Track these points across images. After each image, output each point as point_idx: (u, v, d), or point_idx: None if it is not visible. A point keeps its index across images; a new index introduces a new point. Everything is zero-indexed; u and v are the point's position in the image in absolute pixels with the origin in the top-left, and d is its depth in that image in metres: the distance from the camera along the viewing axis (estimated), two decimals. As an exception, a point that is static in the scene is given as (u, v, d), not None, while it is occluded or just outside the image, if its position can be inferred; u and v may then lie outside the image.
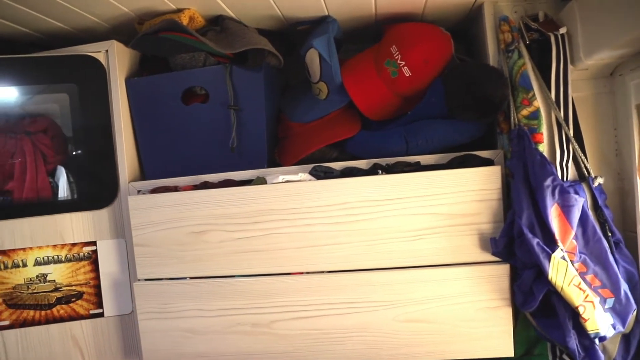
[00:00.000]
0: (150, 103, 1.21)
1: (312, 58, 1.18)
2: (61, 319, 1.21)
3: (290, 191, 1.05)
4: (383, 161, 1.09)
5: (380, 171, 1.06)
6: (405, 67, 1.11)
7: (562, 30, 1.02)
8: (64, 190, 1.23)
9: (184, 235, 1.09)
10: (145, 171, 1.25)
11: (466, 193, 1.02)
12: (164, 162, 1.23)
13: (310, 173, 1.08)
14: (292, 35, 1.31)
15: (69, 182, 1.24)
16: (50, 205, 1.22)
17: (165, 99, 1.20)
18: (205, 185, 1.12)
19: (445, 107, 1.09)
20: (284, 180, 1.06)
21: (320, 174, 1.07)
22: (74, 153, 1.25)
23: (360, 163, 1.09)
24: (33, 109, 1.25)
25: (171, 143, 1.22)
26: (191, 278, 1.11)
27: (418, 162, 1.08)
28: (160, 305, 1.12)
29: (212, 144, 1.19)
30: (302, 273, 1.07)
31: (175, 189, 1.14)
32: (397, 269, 1.05)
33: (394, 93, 1.15)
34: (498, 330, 1.03)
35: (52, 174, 1.24)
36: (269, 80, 1.19)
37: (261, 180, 1.09)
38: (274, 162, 1.22)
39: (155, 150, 1.23)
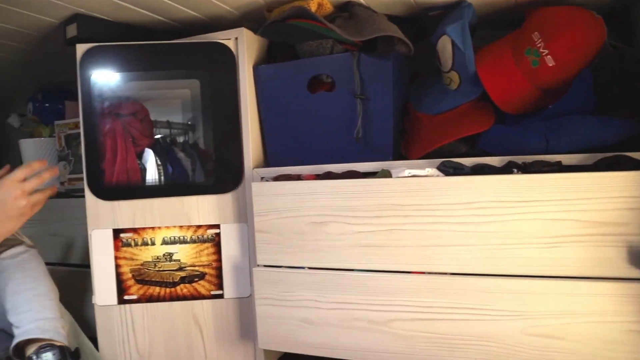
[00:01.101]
0: (276, 90, 1.23)
1: (444, 46, 1.13)
2: (184, 297, 1.28)
3: (416, 186, 1.01)
4: (519, 159, 1.01)
5: (515, 170, 0.99)
6: (548, 56, 1.03)
7: None
8: (152, 174, 1.29)
9: (304, 224, 1.10)
10: (269, 158, 1.28)
11: (615, 199, 0.92)
12: (287, 150, 1.24)
13: (438, 168, 1.03)
14: (422, 20, 1.27)
15: (195, 167, 1.29)
16: (179, 188, 1.28)
17: (291, 86, 1.21)
18: (329, 176, 1.12)
19: (593, 102, 0.99)
20: (409, 175, 1.03)
21: (449, 170, 1.02)
22: (203, 138, 1.30)
23: (492, 160, 1.03)
24: (153, 93, 1.32)
25: (295, 131, 1.23)
26: (310, 268, 1.11)
27: (559, 162, 0.99)
28: (278, 293, 1.14)
29: (336, 134, 1.18)
30: (423, 273, 1.03)
31: (298, 177, 1.15)
32: (528, 277, 0.97)
33: (533, 85, 1.07)
34: (646, 356, 0.92)
35: (140, 156, 1.31)
36: (398, 68, 1.16)
37: (386, 173, 1.06)
38: (400, 154, 1.19)
39: (279, 138, 1.25)
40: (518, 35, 1.10)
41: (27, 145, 1.79)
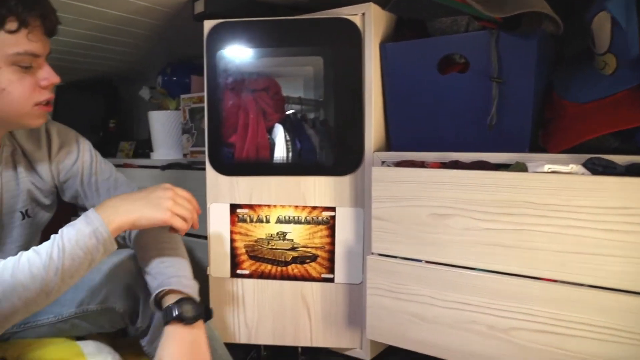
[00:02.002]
0: (403, 70, 1.17)
1: (602, 24, 0.99)
2: (294, 278, 1.28)
3: (556, 184, 0.90)
4: (686, 160, 0.87)
5: (681, 173, 0.85)
6: None
7: None
8: (280, 149, 1.28)
9: (425, 215, 1.03)
10: (391, 142, 1.22)
11: None
12: (411, 134, 1.18)
13: (585, 165, 0.92)
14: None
15: (314, 146, 1.27)
16: (296, 167, 1.27)
17: (420, 66, 1.14)
18: (455, 165, 1.04)
19: None
20: (549, 170, 0.93)
21: (598, 168, 0.90)
22: (323, 117, 1.28)
23: (652, 159, 0.90)
24: (276, 70, 1.31)
25: (421, 114, 1.16)
26: (427, 262, 1.05)
27: None
28: (391, 284, 1.09)
29: (466, 119, 1.10)
30: (555, 281, 0.93)
31: (421, 164, 1.08)
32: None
33: None
34: None
35: (270, 131, 1.30)
36: (542, 49, 1.04)
37: (521, 167, 0.97)
38: (538, 146, 1.08)
39: (403, 121, 1.19)
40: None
41: (155, 117, 1.89)
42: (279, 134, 1.28)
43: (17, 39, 0.88)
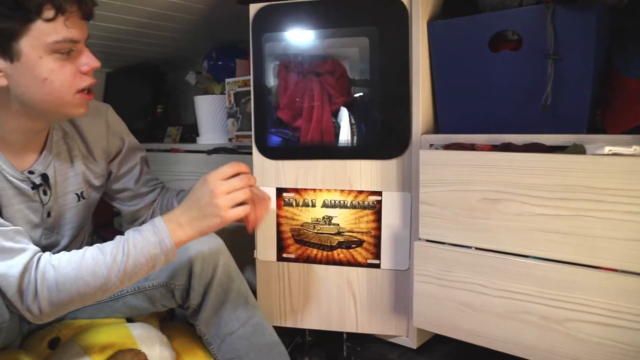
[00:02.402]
0: (452, 48, 1.13)
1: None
2: (340, 263, 1.27)
3: (617, 167, 0.85)
4: None
5: None
6: None
7: None
8: (345, 133, 1.26)
9: (475, 200, 1.00)
10: (440, 124, 1.18)
11: None
12: (460, 115, 1.14)
13: (649, 147, 0.86)
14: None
15: (360, 129, 1.25)
16: (342, 151, 1.26)
17: (470, 44, 1.10)
18: (507, 147, 1.00)
19: None
20: (609, 152, 0.87)
21: (664, 150, 0.85)
22: (369, 99, 1.25)
23: None
24: (323, 52, 1.28)
25: (471, 94, 1.12)
26: (477, 249, 1.02)
27: None
28: (439, 271, 1.06)
29: (518, 99, 1.05)
30: (615, 270, 0.88)
31: (471, 147, 1.04)
32: None
33: None
34: None
35: (335, 115, 1.27)
36: (602, 23, 0.98)
37: (578, 149, 0.92)
38: (596, 127, 1.02)
39: (452, 101, 1.15)
40: None
41: (201, 102, 1.89)
42: (344, 118, 1.26)
43: (55, 26, 0.87)
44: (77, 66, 0.94)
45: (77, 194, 1.11)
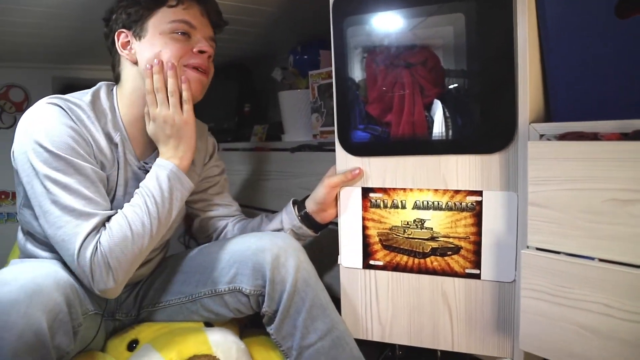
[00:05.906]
0: (568, 19, 0.96)
1: None
2: (434, 272, 1.15)
3: None
4: None
5: None
6: None
7: None
8: (439, 127, 1.14)
9: (600, 201, 0.83)
10: (552, 110, 1.02)
11: None
12: (578, 99, 0.97)
13: None
14: None
15: (455, 122, 1.12)
16: (435, 145, 1.13)
17: (591, 11, 0.93)
18: (639, 136, 0.82)
19: None
20: None
21: None
22: (467, 86, 1.11)
23: None
24: (413, 36, 1.17)
25: (592, 73, 0.94)
26: (601, 260, 0.85)
27: None
28: (553, 286, 0.91)
29: (654, 77, 0.87)
30: None
31: (593, 136, 0.88)
32: None
33: None
34: None
35: (428, 108, 1.15)
36: None
37: None
38: None
39: (568, 83, 0.98)
40: None
41: (285, 97, 1.87)
42: (438, 111, 1.14)
43: (175, 10, 1.15)
44: (191, 46, 1.17)
45: None
